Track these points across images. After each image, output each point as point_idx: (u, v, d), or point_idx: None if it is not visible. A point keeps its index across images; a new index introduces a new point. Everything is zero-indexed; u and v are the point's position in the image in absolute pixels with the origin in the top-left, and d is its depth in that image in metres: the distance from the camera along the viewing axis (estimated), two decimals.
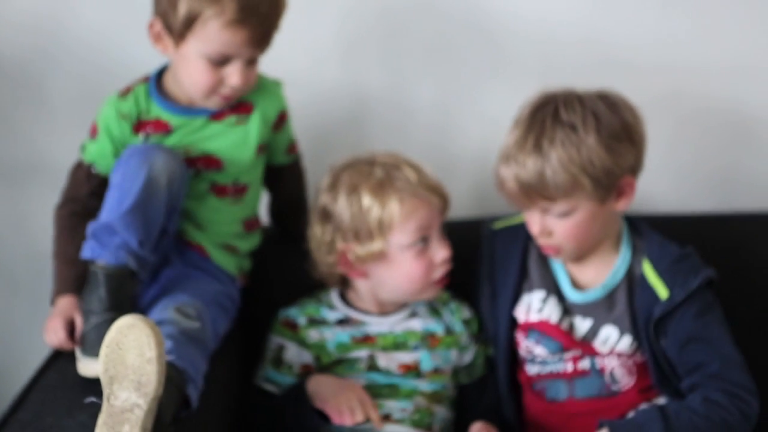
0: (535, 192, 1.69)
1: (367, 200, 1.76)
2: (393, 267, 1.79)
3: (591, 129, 1.68)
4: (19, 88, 2.07)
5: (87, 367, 1.52)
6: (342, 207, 1.77)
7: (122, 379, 1.37)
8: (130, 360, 1.37)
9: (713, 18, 2.08)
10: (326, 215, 1.79)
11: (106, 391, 1.37)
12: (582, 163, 1.67)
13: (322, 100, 2.06)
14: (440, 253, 1.78)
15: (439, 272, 1.80)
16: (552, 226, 1.73)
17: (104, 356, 1.38)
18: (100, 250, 1.58)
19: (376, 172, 1.77)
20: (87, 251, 1.59)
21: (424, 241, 1.77)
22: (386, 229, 1.75)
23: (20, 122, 2.09)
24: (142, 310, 1.64)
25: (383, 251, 1.77)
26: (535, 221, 1.74)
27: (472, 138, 2.06)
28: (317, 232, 1.81)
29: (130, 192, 1.58)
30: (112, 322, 1.49)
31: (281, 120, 1.81)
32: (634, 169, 1.73)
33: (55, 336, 1.61)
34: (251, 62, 1.69)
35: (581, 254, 1.78)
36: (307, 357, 1.80)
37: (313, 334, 1.81)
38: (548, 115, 1.70)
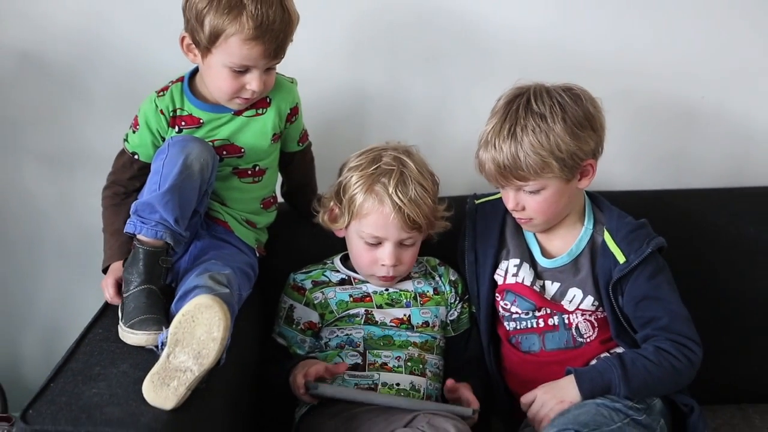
0: (510, 173, 1.69)
1: (355, 179, 1.76)
2: (350, 243, 1.81)
3: (558, 118, 1.68)
4: (66, 90, 2.07)
5: (125, 335, 1.53)
6: (345, 175, 1.78)
7: (186, 345, 1.39)
8: (198, 333, 1.40)
9: (662, 27, 2.10)
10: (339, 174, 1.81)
11: (168, 349, 1.40)
12: (551, 147, 1.67)
13: (330, 96, 2.06)
14: (384, 258, 1.76)
15: (381, 271, 1.78)
16: (525, 202, 1.73)
17: (177, 322, 1.41)
18: (142, 226, 1.58)
19: (381, 166, 1.75)
20: (130, 226, 1.59)
21: (375, 239, 1.75)
22: (352, 209, 1.75)
23: (67, 118, 2.09)
24: (178, 278, 1.65)
25: (344, 225, 1.78)
26: (510, 198, 1.75)
27: (459, 128, 2.07)
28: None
29: (169, 176, 1.58)
30: (146, 293, 1.56)
31: (294, 113, 1.80)
32: (595, 152, 1.73)
33: (107, 293, 1.65)
34: (269, 69, 1.69)
35: (550, 225, 1.79)
36: (312, 315, 1.81)
37: (318, 296, 1.81)
38: (521, 106, 1.70)
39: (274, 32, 1.62)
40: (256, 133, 1.75)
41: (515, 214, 1.77)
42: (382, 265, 1.76)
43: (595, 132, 1.71)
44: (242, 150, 1.75)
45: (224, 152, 1.74)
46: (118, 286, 1.62)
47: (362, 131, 2.11)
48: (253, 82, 1.66)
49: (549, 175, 1.69)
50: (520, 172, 1.68)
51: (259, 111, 1.75)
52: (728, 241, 1.99)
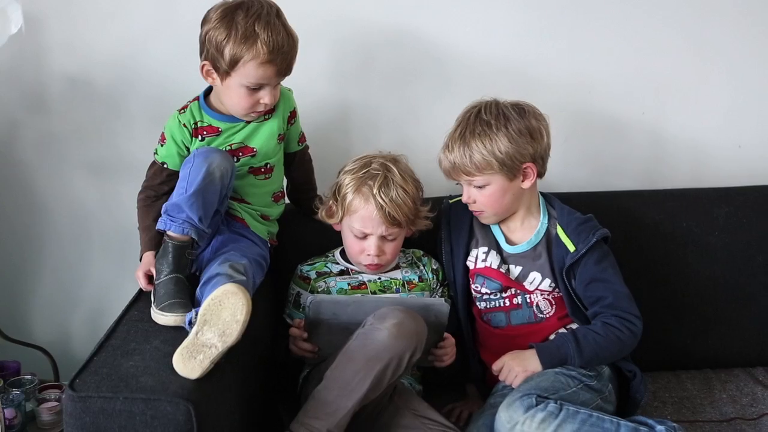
0: (460, 169, 1.77)
1: (347, 180, 1.80)
2: (344, 236, 1.85)
3: (501, 125, 1.74)
4: (107, 108, 2.10)
5: (157, 317, 1.56)
6: (340, 177, 1.83)
7: (213, 325, 1.42)
8: (224, 315, 1.42)
9: (607, 54, 2.14)
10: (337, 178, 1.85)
11: (197, 327, 1.43)
12: (492, 149, 1.74)
13: (315, 109, 2.06)
14: (369, 249, 1.80)
15: (366, 260, 1.81)
16: (474, 195, 1.80)
17: (207, 305, 1.44)
18: (171, 223, 1.63)
19: (370, 171, 1.79)
20: (161, 224, 1.64)
21: (362, 233, 1.79)
22: (344, 206, 1.79)
23: (108, 132, 2.12)
24: (201, 267, 1.68)
25: (339, 220, 1.82)
26: (464, 192, 1.82)
27: (426, 138, 2.00)
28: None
29: (194, 182, 1.62)
30: (174, 281, 1.59)
31: (293, 116, 1.85)
32: (534, 157, 1.78)
33: (140, 282, 1.69)
34: (277, 85, 1.73)
35: (499, 218, 1.85)
36: None
37: (321, 285, 1.85)
38: (473, 115, 1.78)
39: (284, 54, 1.67)
40: (265, 135, 1.79)
41: (470, 207, 1.83)
42: (368, 254, 1.80)
43: (534, 140, 1.76)
44: (255, 150, 1.78)
45: (240, 153, 1.78)
46: (148, 277, 1.67)
47: (342, 140, 2.14)
48: (266, 97, 1.71)
49: (490, 171, 1.75)
50: (467, 168, 1.75)
51: (266, 117, 1.79)
52: (664, 233, 2.01)
